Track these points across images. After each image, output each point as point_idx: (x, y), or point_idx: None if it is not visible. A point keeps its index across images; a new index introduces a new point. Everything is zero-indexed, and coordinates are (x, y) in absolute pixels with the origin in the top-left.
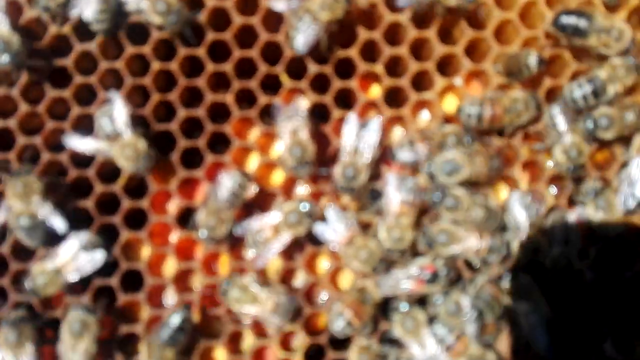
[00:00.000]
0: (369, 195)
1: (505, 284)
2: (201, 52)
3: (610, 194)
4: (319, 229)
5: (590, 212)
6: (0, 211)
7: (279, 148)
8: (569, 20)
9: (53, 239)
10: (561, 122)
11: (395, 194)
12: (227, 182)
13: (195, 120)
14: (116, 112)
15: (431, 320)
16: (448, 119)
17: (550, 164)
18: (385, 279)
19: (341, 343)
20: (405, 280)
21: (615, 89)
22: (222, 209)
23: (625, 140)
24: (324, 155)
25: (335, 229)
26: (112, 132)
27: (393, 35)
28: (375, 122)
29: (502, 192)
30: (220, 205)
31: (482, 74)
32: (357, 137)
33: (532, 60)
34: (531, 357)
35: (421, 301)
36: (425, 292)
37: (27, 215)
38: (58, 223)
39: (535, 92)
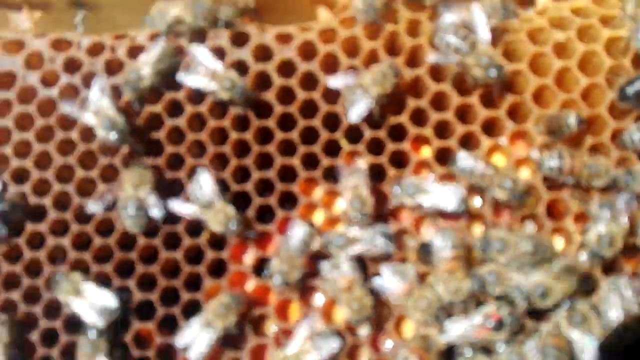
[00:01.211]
0: (422, 250)
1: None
2: (271, 122)
3: None
4: (377, 283)
5: None
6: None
7: (341, 204)
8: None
9: None
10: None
11: (445, 251)
12: (297, 231)
13: (267, 181)
14: (203, 182)
15: None
16: None
17: None
18: (449, 326)
19: None
20: (470, 327)
21: None
22: (293, 257)
23: None
24: (381, 209)
25: (391, 283)
26: (204, 199)
27: (439, 102)
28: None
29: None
30: (292, 253)
31: (525, 134)
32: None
33: (572, 119)
34: None
35: (485, 349)
36: (490, 339)
37: (134, 199)
38: (156, 212)
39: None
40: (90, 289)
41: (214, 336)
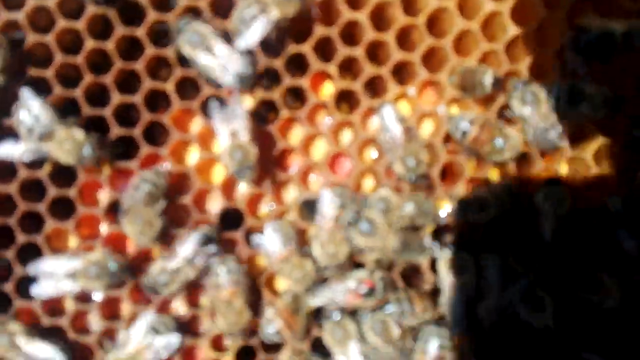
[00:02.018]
0: (305, 206)
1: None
2: (141, 32)
3: None
4: (256, 241)
5: None
6: None
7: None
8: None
9: None
10: None
11: (329, 210)
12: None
13: (132, 107)
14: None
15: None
16: None
17: None
18: (321, 289)
19: (273, 346)
20: (342, 292)
21: None
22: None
23: None
24: (268, 158)
25: (272, 245)
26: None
27: (350, 34)
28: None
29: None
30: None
31: (436, 84)
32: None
33: (488, 78)
34: None
35: (353, 313)
36: (359, 306)
37: None
38: None
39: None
40: None
41: None
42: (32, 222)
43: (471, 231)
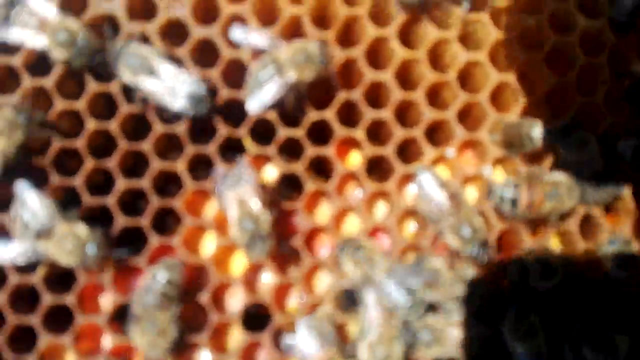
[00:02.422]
0: (345, 298)
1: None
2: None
3: None
4: (288, 344)
5: None
6: None
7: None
8: None
9: None
10: None
11: (378, 306)
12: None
13: (139, 192)
14: (31, 202)
15: None
16: None
17: None
18: None
19: None
20: None
21: None
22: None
23: None
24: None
25: (307, 347)
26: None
27: (376, 96)
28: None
29: None
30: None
31: (476, 145)
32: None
33: (537, 131)
34: None
35: None
36: None
37: None
38: None
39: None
40: None
41: None
42: (23, 337)
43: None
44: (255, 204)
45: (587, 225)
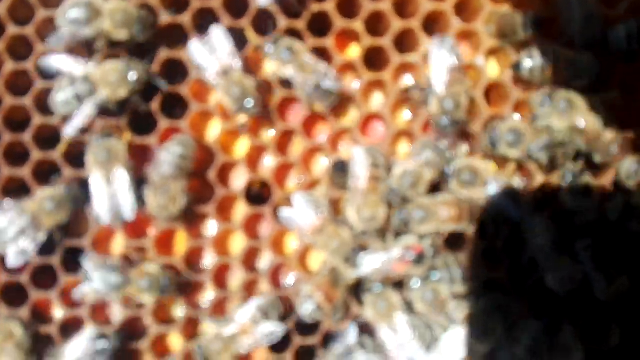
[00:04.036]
0: (336, 169)
1: None
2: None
3: None
4: (285, 214)
5: None
6: None
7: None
8: None
9: None
10: None
11: (362, 170)
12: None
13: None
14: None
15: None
16: None
17: None
18: (363, 259)
19: (308, 329)
20: (388, 260)
21: None
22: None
23: None
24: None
25: (303, 216)
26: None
27: None
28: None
29: None
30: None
31: (471, 35)
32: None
33: (528, 21)
34: None
35: (397, 285)
36: (407, 274)
37: None
38: None
39: None
40: None
41: None
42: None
43: None
44: (237, 65)
45: None
